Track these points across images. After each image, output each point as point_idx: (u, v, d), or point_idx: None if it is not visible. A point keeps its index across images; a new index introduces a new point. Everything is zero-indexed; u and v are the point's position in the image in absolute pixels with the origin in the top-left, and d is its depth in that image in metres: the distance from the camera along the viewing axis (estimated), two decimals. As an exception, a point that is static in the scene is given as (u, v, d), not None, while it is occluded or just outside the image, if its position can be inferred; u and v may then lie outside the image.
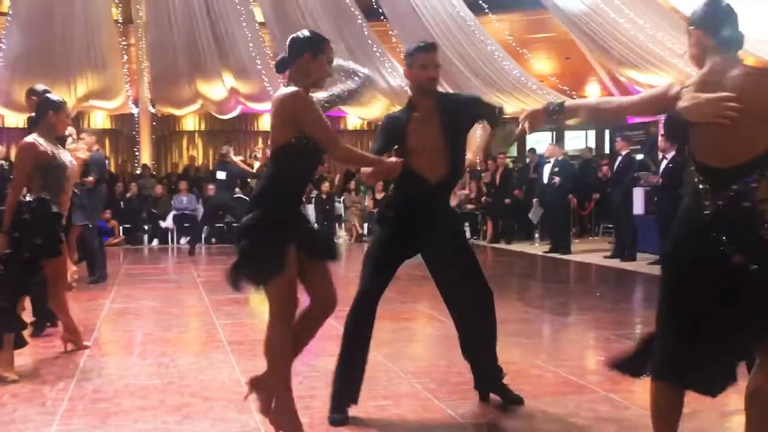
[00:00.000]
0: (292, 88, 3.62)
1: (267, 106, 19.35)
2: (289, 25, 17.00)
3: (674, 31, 14.10)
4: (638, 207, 12.84)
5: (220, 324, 6.83)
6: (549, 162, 13.41)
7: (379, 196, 16.50)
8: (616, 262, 11.70)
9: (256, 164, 13.67)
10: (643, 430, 3.88)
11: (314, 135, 3.61)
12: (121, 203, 15.77)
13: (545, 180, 13.30)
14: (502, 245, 14.80)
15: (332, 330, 6.55)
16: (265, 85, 18.29)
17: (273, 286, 3.64)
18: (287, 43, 3.81)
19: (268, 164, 3.76)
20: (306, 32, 3.83)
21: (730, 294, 2.75)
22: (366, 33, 16.81)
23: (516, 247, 14.44)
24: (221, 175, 13.45)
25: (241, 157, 14.31)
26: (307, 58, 3.72)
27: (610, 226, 14.13)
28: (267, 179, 3.71)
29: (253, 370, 5.05)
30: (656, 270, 10.60)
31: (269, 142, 3.77)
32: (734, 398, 4.59)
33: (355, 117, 19.78)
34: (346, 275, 11.44)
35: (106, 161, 11.28)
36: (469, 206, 16.46)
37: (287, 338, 3.76)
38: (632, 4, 13.99)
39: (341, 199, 16.95)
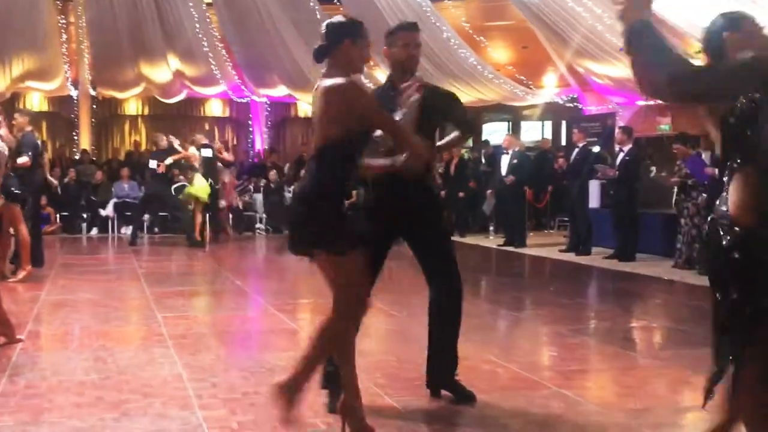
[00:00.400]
0: (342, 79, 3.49)
1: (214, 90, 19.23)
2: (237, 5, 16.87)
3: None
4: (594, 200, 13.02)
5: (161, 317, 6.76)
6: (506, 153, 13.41)
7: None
8: (571, 256, 11.85)
9: (192, 149, 13.44)
10: (595, 426, 3.94)
11: (379, 126, 3.57)
12: (59, 189, 15.49)
13: (503, 172, 13.30)
14: (456, 238, 14.89)
15: (281, 324, 6.56)
16: (212, 68, 18.12)
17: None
18: (323, 30, 3.69)
19: (314, 163, 3.60)
20: (341, 18, 3.74)
21: None
22: (318, 16, 16.68)
23: (470, 240, 14.53)
24: (153, 164, 13.27)
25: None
26: (347, 44, 3.62)
27: (566, 219, 14.29)
28: (316, 180, 3.57)
29: (196, 365, 5.03)
30: (611, 264, 10.78)
31: (315, 138, 3.59)
32: (687, 395, 4.70)
33: (306, 104, 19.77)
34: (296, 267, 11.41)
35: (42, 144, 10.99)
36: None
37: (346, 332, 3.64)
38: (590, -7, 14.13)
39: (291, 189, 16.87)
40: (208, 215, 13.36)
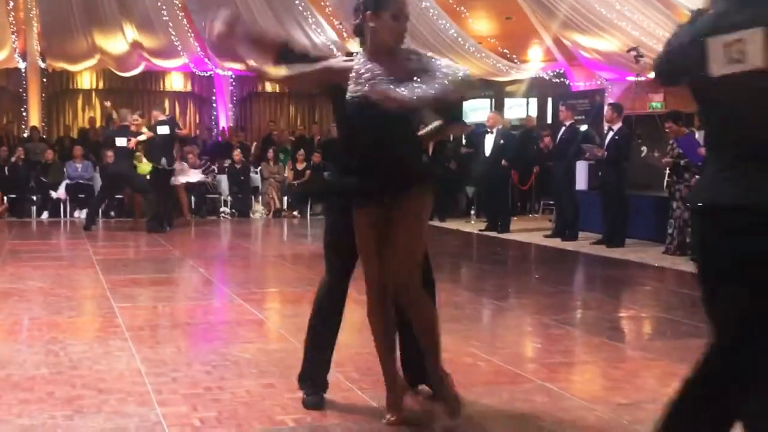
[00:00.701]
0: None
1: (174, 63, 19.09)
2: (200, -28, 16.74)
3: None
4: (581, 182, 13.09)
5: (118, 308, 6.72)
6: (490, 132, 13.33)
7: (300, 167, 16.47)
8: (557, 242, 11.91)
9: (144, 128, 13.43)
10: (579, 421, 3.97)
11: None
12: (6, 169, 15.34)
13: (487, 152, 13.27)
14: (435, 222, 14.91)
15: (246, 314, 6.54)
16: (172, 39, 17.98)
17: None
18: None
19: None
20: None
21: None
22: (288, -16, 16.65)
23: (450, 224, 14.56)
24: (121, 141, 13.14)
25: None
26: (369, 17, 3.66)
27: (551, 202, 14.36)
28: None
29: (156, 358, 5.02)
30: (599, 250, 10.86)
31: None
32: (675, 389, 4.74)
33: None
34: (264, 254, 11.41)
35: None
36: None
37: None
38: (578, -39, 14.16)
39: (258, 170, 16.83)
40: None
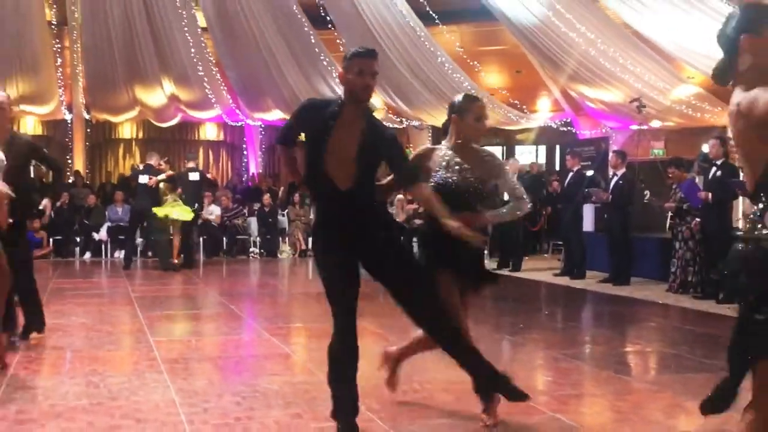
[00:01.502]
0: None
1: (209, 114, 19.27)
2: (233, 31, 16.95)
3: (625, 46, 14.39)
4: (588, 224, 13.04)
5: (154, 342, 6.73)
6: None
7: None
8: (565, 280, 11.85)
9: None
10: (590, 452, 3.93)
11: None
12: (52, 213, 15.47)
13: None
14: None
15: (273, 348, 6.53)
16: (206, 92, 18.16)
17: None
18: None
19: None
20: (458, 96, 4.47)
21: None
22: (313, 41, 16.79)
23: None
24: (144, 179, 13.26)
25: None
26: (454, 119, 4.36)
27: (560, 243, 14.30)
28: None
29: (189, 389, 5.01)
30: (606, 288, 10.79)
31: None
32: (682, 420, 4.68)
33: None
34: (290, 291, 11.39)
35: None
36: (417, 221, 16.52)
37: None
38: (583, 18, 14.22)
39: (285, 212, 16.89)
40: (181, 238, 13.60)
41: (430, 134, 19.97)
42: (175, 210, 13.26)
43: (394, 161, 4.18)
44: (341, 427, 3.91)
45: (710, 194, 9.53)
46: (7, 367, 5.49)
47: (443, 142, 4.46)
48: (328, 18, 16.70)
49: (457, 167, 4.28)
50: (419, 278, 4.13)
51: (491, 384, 4.16)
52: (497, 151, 20.73)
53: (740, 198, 10.19)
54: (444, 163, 4.31)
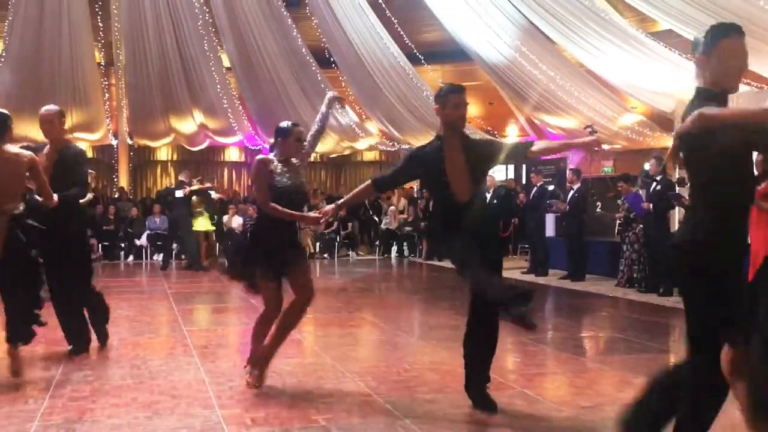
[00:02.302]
0: None
1: (232, 139, 19.27)
2: (252, 70, 16.98)
3: (580, 82, 14.45)
4: (550, 230, 13.06)
5: (187, 330, 6.72)
6: (488, 192, 13.45)
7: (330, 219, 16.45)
8: (531, 277, 11.84)
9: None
10: (552, 421, 3.93)
11: None
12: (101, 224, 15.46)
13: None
14: (435, 262, 14.88)
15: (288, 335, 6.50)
16: (230, 121, 18.18)
17: None
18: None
19: None
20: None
21: None
22: (319, 78, 16.81)
23: (447, 263, 14.49)
24: (179, 193, 13.29)
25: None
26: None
27: (526, 246, 14.31)
28: None
29: (217, 370, 5.00)
30: (565, 284, 10.80)
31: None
32: (629, 393, 4.68)
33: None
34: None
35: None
36: (408, 228, 16.54)
37: None
38: (544, 59, 14.27)
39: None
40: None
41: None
42: (199, 221, 13.28)
43: (499, 154, 4.22)
44: None
45: (651, 205, 9.55)
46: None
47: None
48: (332, 59, 16.74)
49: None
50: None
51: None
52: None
53: (677, 208, 10.23)
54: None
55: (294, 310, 4.58)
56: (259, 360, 4.58)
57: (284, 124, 4.67)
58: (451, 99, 4.00)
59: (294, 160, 4.64)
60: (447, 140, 4.04)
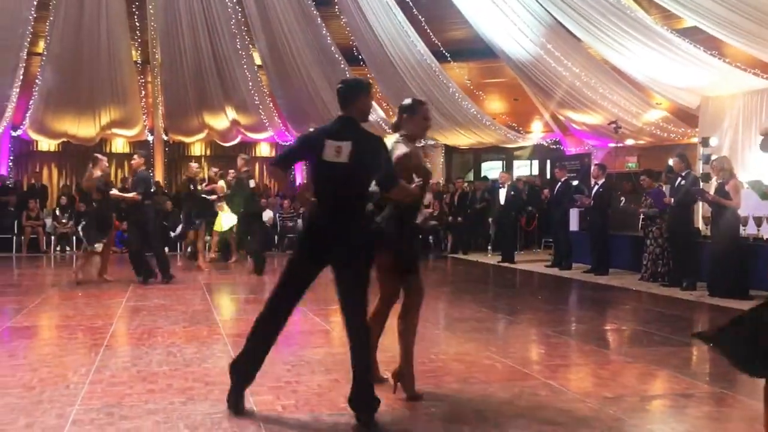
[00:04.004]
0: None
1: (262, 135, 19.37)
2: (283, 67, 17.05)
3: (605, 79, 14.30)
4: (574, 224, 12.96)
5: (220, 320, 6.79)
6: (503, 187, 13.51)
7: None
8: (555, 271, 11.77)
9: (221, 182, 13.50)
10: (574, 411, 3.90)
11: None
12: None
13: (502, 201, 13.43)
14: (460, 255, 14.86)
15: (316, 326, 6.55)
16: (261, 117, 18.28)
17: None
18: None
19: None
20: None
21: None
22: (348, 76, 16.85)
23: (472, 257, 14.48)
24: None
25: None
26: (405, 118, 4.19)
27: (550, 240, 14.22)
28: None
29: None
30: (588, 278, 10.71)
31: None
32: (652, 385, 4.64)
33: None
34: (330, 279, 11.35)
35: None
36: (433, 222, 16.49)
37: None
38: (569, 55, 14.15)
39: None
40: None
41: (443, 151, 19.94)
42: (223, 218, 13.21)
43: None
44: None
45: (672, 199, 9.43)
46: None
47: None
48: (360, 57, 16.74)
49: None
50: None
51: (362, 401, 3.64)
52: (498, 165, 20.66)
53: (700, 203, 10.10)
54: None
55: (416, 313, 4.16)
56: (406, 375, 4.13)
57: (409, 100, 4.24)
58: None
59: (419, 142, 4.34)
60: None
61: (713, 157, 10.23)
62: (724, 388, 4.38)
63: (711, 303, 8.21)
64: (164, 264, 9.74)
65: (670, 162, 10.12)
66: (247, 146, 20.64)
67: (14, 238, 15.21)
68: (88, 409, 3.83)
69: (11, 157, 18.25)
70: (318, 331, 6.30)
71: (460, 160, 21.49)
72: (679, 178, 9.49)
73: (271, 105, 18.26)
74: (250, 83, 17.42)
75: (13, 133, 17.82)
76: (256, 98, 17.72)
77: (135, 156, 10.33)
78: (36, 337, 6.06)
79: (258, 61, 17.54)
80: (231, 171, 12.74)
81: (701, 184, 10.08)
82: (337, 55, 16.72)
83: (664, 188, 10.04)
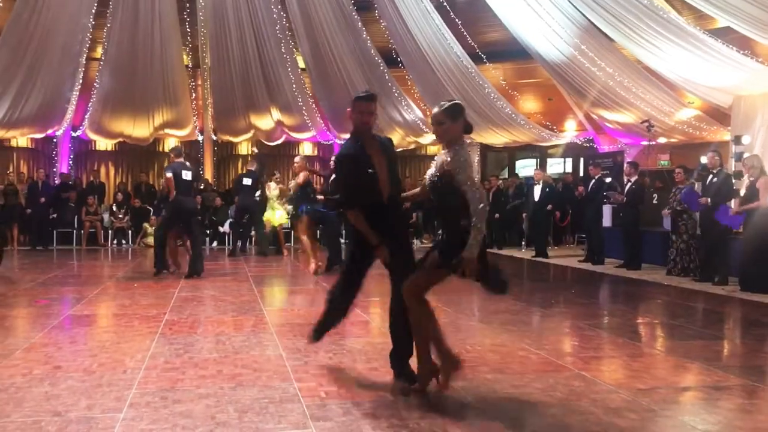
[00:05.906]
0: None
1: (305, 135, 19.49)
2: (325, 70, 17.12)
3: (637, 78, 14.05)
4: (607, 220, 12.79)
5: (266, 310, 6.86)
6: (537, 184, 13.41)
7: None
8: (588, 266, 11.63)
9: (272, 184, 13.67)
10: (608, 402, 3.86)
11: None
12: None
13: (536, 198, 13.34)
14: (494, 250, 14.77)
15: (357, 317, 6.58)
16: (304, 118, 18.39)
17: None
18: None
19: None
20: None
21: None
22: (387, 77, 16.84)
23: (506, 252, 14.38)
24: (247, 181, 13.51)
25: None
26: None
27: (584, 236, 14.05)
28: None
29: (293, 347, 5.10)
30: (620, 272, 10.55)
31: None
32: (683, 377, 4.56)
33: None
34: (369, 271, 11.38)
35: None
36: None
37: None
38: (603, 56, 13.93)
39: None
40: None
41: (479, 150, 19.80)
42: (274, 213, 13.42)
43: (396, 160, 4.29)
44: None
45: (708, 200, 9.24)
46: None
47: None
48: (399, 59, 16.72)
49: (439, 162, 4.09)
50: None
51: None
52: (532, 162, 20.46)
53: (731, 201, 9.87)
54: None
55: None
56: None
57: (449, 102, 4.04)
58: (357, 105, 4.01)
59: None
60: (366, 141, 4.05)
61: (745, 155, 10.01)
62: (756, 381, 4.29)
63: (743, 298, 8.03)
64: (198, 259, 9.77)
65: (703, 159, 9.92)
66: (291, 145, 20.83)
67: (74, 232, 15.60)
68: (143, 393, 3.91)
69: (71, 156, 18.70)
70: (359, 322, 6.33)
71: (495, 158, 21.34)
72: (711, 176, 9.29)
73: (314, 106, 18.36)
74: (294, 85, 17.53)
75: (73, 134, 18.27)
76: (300, 100, 17.83)
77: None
78: (95, 325, 6.21)
79: (301, 64, 17.64)
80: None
81: (734, 181, 9.86)
82: (376, 57, 16.73)
83: (696, 186, 9.84)
